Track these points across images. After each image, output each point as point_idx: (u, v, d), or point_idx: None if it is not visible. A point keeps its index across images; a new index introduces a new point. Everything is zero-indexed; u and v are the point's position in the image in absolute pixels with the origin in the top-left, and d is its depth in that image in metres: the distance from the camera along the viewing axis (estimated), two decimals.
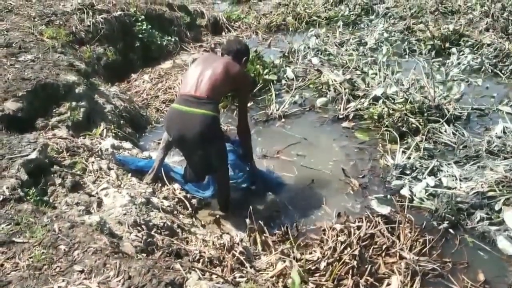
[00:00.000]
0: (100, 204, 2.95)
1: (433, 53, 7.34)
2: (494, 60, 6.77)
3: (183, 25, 8.32)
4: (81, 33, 6.20)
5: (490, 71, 6.58)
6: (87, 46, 6.11)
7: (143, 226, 2.75)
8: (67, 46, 5.68)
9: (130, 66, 6.76)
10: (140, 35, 7.11)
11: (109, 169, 3.47)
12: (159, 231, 2.93)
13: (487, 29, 7.94)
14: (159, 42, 7.38)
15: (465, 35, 7.64)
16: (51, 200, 2.83)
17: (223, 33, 9.04)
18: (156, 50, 7.30)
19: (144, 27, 7.17)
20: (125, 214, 2.80)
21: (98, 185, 3.17)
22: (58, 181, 2.98)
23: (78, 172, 3.23)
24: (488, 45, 7.20)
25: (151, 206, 3.15)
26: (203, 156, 3.42)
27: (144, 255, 2.44)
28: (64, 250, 2.13)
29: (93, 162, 3.42)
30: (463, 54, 7.03)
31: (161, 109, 5.56)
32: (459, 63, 6.73)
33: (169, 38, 7.73)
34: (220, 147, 3.53)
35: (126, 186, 3.31)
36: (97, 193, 3.06)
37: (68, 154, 3.39)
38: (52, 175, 3.00)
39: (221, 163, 3.57)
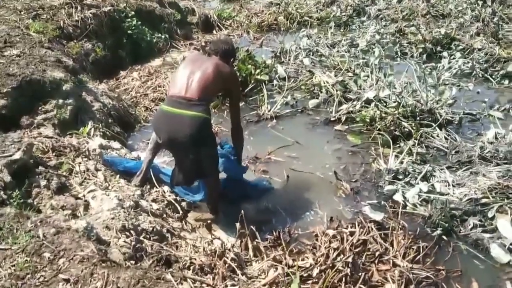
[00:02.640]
0: (87, 207, 2.85)
1: (424, 56, 7.32)
2: (485, 65, 6.76)
3: (173, 22, 8.21)
4: (69, 28, 6.06)
5: (480, 75, 6.56)
6: (75, 41, 5.97)
7: (131, 231, 2.65)
8: (55, 41, 5.55)
9: (119, 63, 6.63)
10: (129, 32, 6.98)
11: (97, 170, 3.36)
12: (148, 236, 2.84)
13: (477, 34, 7.94)
14: (149, 39, 7.26)
15: (456, 39, 7.63)
16: (35, 203, 2.73)
17: (214, 31, 8.93)
18: (146, 47, 7.18)
19: (134, 23, 7.04)
20: (113, 219, 2.70)
21: (85, 187, 3.06)
22: (43, 183, 2.86)
23: (64, 173, 3.13)
24: (479, 49, 7.19)
25: (140, 209, 3.06)
26: (194, 159, 3.31)
27: (133, 262, 2.35)
28: (49, 258, 2.03)
29: (80, 163, 3.31)
30: (454, 58, 7.02)
31: (150, 107, 5.45)
32: (450, 67, 6.72)
33: (159, 35, 7.62)
34: (211, 150, 3.43)
35: (114, 189, 3.21)
36: (84, 195, 2.96)
37: (54, 154, 3.27)
38: (37, 177, 2.89)
39: (212, 167, 3.48)
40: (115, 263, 2.08)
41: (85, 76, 5.36)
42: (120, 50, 6.75)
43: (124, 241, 2.53)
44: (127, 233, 2.65)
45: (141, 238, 2.74)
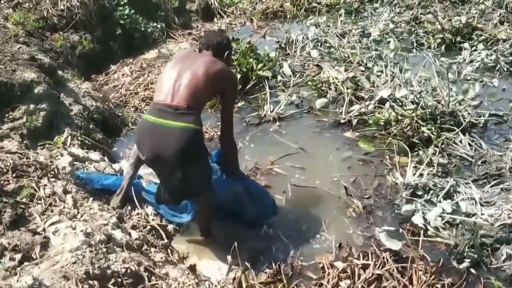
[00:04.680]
0: (46, 245, 2.37)
1: (442, 47, 6.71)
2: (511, 58, 6.15)
3: (170, 9, 7.61)
4: (53, 18, 5.57)
5: (505, 70, 5.98)
6: (60, 33, 5.46)
7: (95, 282, 2.16)
8: (36, 33, 5.04)
9: (110, 56, 6.11)
10: (121, 21, 6.45)
11: (66, 192, 2.86)
12: (120, 279, 2.35)
13: (501, 22, 7.29)
14: (143, 29, 6.72)
15: (478, 28, 6.99)
16: None
17: (215, 19, 8.35)
18: (140, 38, 6.64)
19: (127, 12, 6.52)
20: (74, 263, 2.21)
21: (48, 217, 2.58)
22: None
23: (24, 200, 2.63)
24: (504, 40, 6.57)
25: (113, 244, 2.57)
26: (182, 178, 2.79)
27: None
28: None
29: (45, 185, 2.81)
30: (475, 50, 6.42)
31: (140, 107, 4.93)
32: (471, 61, 6.12)
33: (155, 24, 7.05)
34: (203, 167, 2.92)
35: (84, 217, 2.71)
36: (44, 229, 2.48)
37: (14, 175, 2.77)
38: None
39: (204, 186, 2.95)
40: None
41: (69, 72, 4.87)
42: (111, 42, 6.23)
43: None
44: (91, 282, 2.17)
45: (109, 285, 2.26)
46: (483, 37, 6.78)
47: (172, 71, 2.85)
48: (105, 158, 3.76)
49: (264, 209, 3.42)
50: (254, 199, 3.37)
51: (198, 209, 3.16)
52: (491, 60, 6.11)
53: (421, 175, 3.77)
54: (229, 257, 2.78)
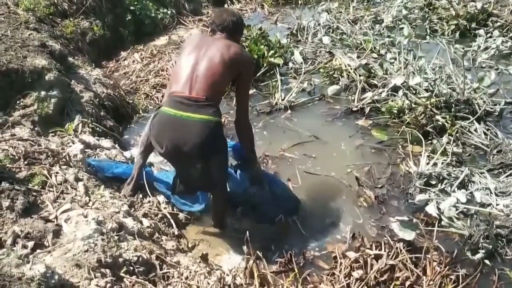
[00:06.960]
0: (58, 233, 2.36)
1: (457, 34, 6.59)
2: None
3: None
4: (63, 4, 5.53)
5: None
6: (70, 19, 5.42)
7: (107, 270, 2.15)
8: (46, 19, 5.01)
9: (120, 43, 6.06)
10: (132, 7, 6.38)
11: (77, 180, 2.85)
12: (131, 267, 2.35)
13: None
14: (153, 16, 6.66)
15: (493, 14, 6.85)
16: None
17: (226, 5, 8.26)
18: (150, 25, 6.58)
19: None
20: (86, 251, 2.21)
21: (60, 205, 2.57)
22: (5, 203, 2.37)
23: (36, 188, 2.63)
24: None
25: (124, 232, 2.56)
26: (202, 170, 2.77)
27: None
28: None
29: (57, 173, 2.80)
30: (491, 37, 6.29)
31: (151, 94, 4.90)
32: (486, 48, 6.01)
33: (165, 10, 7.00)
34: (223, 159, 2.88)
35: (96, 205, 2.70)
36: (56, 217, 2.47)
37: (25, 162, 2.76)
38: None
39: (222, 178, 2.94)
40: None
41: (79, 59, 4.84)
42: (121, 28, 6.17)
43: (97, 285, 2.04)
44: (103, 271, 2.16)
45: (121, 273, 2.25)
46: (498, 23, 6.67)
47: (188, 60, 2.76)
48: (116, 145, 3.76)
49: (283, 212, 3.27)
50: (276, 199, 3.28)
51: (213, 203, 3.13)
52: (506, 47, 6.00)
53: (435, 164, 3.72)
54: (244, 247, 2.75)
